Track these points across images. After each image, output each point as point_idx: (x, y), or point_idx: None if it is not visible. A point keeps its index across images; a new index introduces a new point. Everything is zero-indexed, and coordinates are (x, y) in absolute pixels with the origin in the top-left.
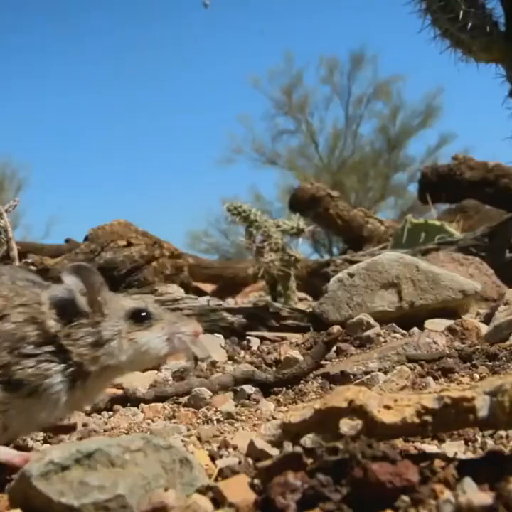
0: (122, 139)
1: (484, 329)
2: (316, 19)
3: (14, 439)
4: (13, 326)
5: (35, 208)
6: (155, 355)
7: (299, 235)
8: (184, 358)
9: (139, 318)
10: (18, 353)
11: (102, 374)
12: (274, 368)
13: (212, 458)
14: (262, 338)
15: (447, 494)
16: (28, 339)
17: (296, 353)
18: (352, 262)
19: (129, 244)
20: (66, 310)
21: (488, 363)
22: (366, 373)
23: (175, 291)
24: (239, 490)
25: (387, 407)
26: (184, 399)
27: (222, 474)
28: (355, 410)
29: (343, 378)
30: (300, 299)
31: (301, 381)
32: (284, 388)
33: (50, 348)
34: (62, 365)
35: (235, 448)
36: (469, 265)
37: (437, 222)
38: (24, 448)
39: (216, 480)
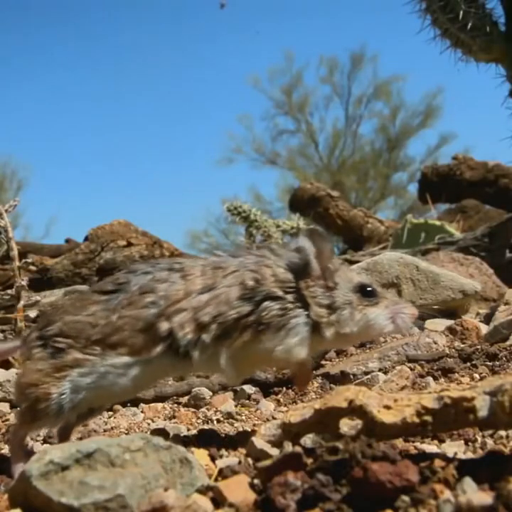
0: (122, 139)
1: (484, 329)
2: (316, 19)
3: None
4: (236, 281)
5: (35, 208)
6: (378, 332)
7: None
8: (405, 336)
9: (366, 293)
10: (255, 301)
11: (331, 340)
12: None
13: (212, 458)
14: None
15: (447, 494)
16: (263, 287)
17: None
18: (352, 262)
19: (129, 244)
20: (298, 268)
21: (488, 363)
22: (366, 373)
23: None
24: (239, 490)
25: (387, 407)
26: (184, 399)
27: (222, 474)
28: (355, 410)
29: (343, 378)
30: None
31: None
32: (284, 388)
33: (293, 296)
34: (306, 313)
35: (235, 448)
36: (469, 265)
37: (437, 222)
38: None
39: (216, 480)
